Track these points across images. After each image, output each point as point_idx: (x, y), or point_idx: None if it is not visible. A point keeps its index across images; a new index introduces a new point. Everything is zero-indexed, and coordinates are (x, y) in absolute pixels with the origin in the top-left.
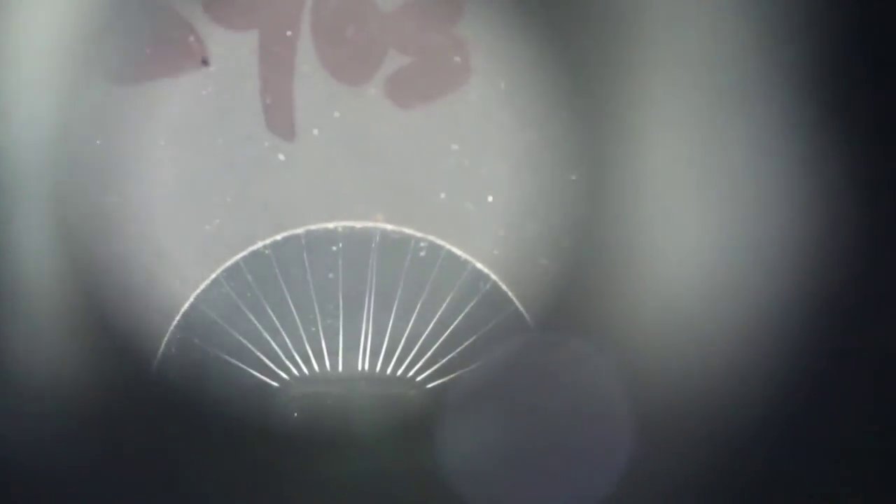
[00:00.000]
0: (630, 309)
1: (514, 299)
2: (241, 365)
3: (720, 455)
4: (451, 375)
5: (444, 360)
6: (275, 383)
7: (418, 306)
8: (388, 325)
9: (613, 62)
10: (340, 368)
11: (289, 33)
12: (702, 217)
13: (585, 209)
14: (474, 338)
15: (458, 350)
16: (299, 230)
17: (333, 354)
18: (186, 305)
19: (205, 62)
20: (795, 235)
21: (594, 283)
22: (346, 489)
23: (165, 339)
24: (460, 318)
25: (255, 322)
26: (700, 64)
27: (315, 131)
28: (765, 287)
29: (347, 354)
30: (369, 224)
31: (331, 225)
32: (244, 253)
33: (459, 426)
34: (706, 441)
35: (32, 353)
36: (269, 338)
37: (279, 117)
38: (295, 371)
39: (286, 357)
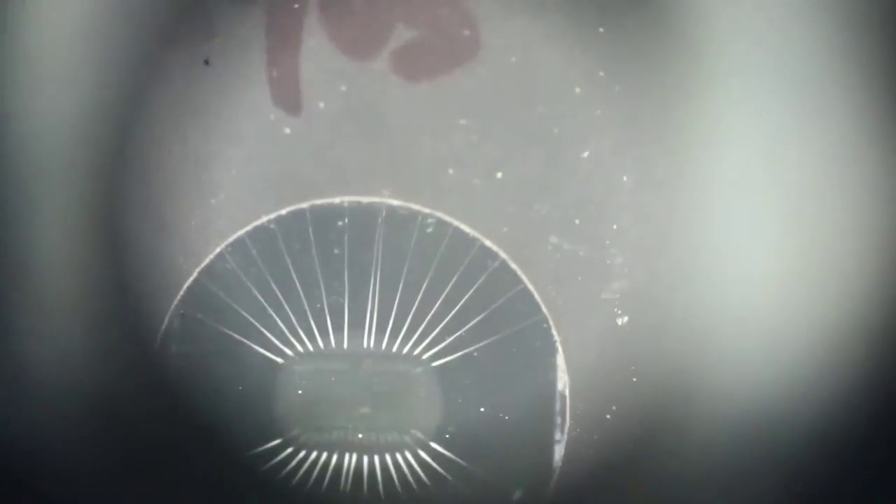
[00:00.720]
0: (641, 287)
1: (523, 278)
2: (245, 341)
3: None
4: (458, 353)
5: (450, 338)
6: (279, 359)
7: (425, 283)
8: (394, 302)
9: (629, 37)
10: (345, 345)
11: (296, 6)
12: (714, 194)
13: (596, 187)
14: (482, 316)
15: (465, 328)
16: (304, 205)
17: (338, 331)
18: (190, 280)
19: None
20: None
21: (605, 262)
22: (349, 468)
23: (169, 314)
24: (468, 295)
25: (260, 298)
26: (717, 39)
27: (321, 105)
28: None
29: (353, 331)
30: (375, 199)
31: (336, 200)
32: (248, 227)
33: (464, 403)
34: (710, 431)
35: (36, 328)
36: (273, 314)
37: (285, 91)
38: (299, 347)
39: (290, 333)
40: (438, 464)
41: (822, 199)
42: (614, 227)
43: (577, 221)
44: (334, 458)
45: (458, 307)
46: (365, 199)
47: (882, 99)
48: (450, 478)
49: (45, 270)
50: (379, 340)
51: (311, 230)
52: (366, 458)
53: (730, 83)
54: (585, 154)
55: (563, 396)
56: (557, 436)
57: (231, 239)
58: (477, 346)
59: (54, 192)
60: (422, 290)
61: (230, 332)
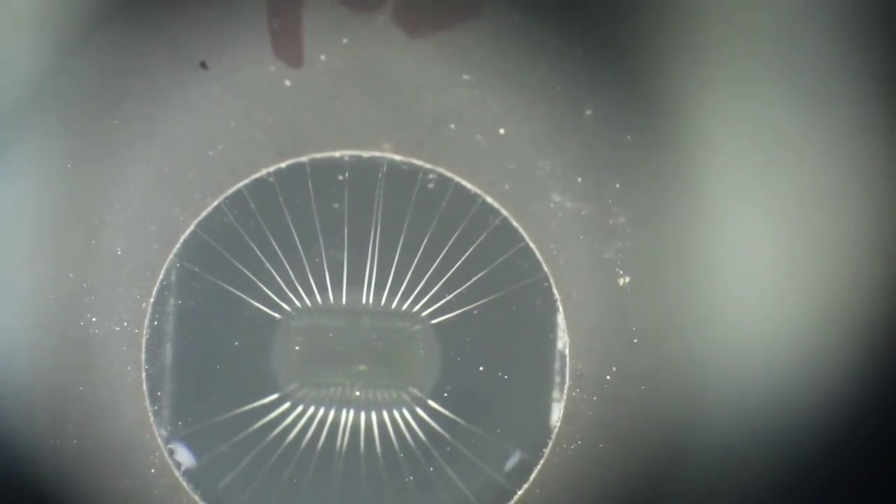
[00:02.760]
0: (644, 248)
1: (525, 235)
2: (242, 295)
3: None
4: (458, 311)
5: (450, 296)
6: (276, 315)
7: (425, 240)
8: (393, 259)
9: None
10: (344, 301)
11: None
12: (721, 152)
13: (600, 145)
14: (482, 273)
15: (465, 286)
16: (304, 158)
17: (337, 287)
18: (187, 233)
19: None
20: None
21: (607, 221)
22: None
23: (165, 267)
24: (468, 253)
25: (258, 252)
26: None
27: (322, 57)
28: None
29: (351, 287)
30: (376, 154)
31: (337, 153)
32: (247, 180)
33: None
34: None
35: (27, 276)
36: (271, 268)
37: (286, 42)
38: (297, 303)
39: (288, 288)
40: (436, 422)
41: (836, 172)
42: (617, 185)
43: (580, 179)
44: (331, 414)
45: (458, 264)
46: (365, 154)
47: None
48: (447, 436)
49: (36, 220)
50: (378, 297)
51: (310, 184)
52: (363, 415)
53: (737, 42)
54: (589, 112)
55: (562, 356)
56: (556, 395)
57: (229, 192)
58: (477, 303)
59: (44, 139)
60: (422, 247)
61: (227, 287)
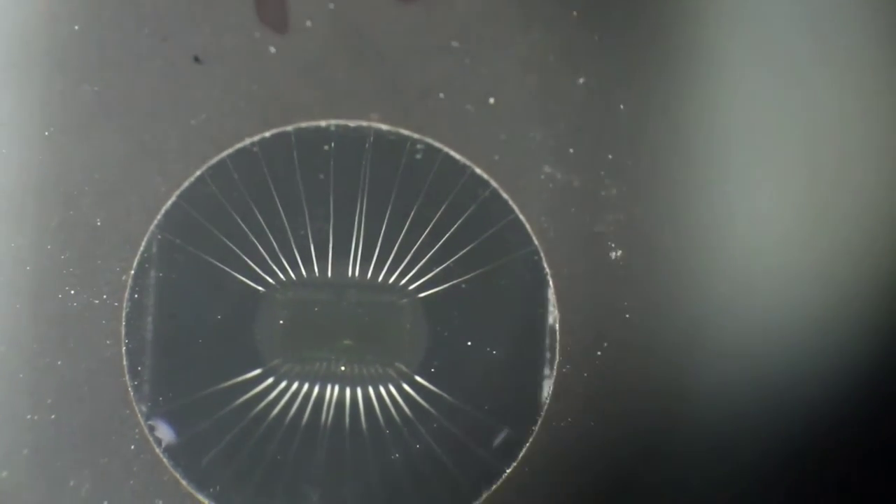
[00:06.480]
0: (636, 220)
1: (515, 208)
2: (225, 268)
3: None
4: (445, 285)
5: (438, 269)
6: (260, 288)
7: (413, 212)
8: (380, 231)
9: None
10: (329, 274)
11: None
12: (716, 124)
13: (592, 115)
14: (471, 246)
15: (453, 259)
16: (289, 127)
17: (322, 260)
18: (168, 204)
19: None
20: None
21: (599, 193)
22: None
23: (146, 238)
24: (457, 225)
25: (241, 223)
26: None
27: (308, 23)
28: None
29: (337, 260)
30: (363, 123)
31: (322, 123)
32: (230, 150)
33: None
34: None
35: (2, 248)
36: (255, 240)
37: (271, 7)
38: (282, 276)
39: (273, 261)
40: (423, 398)
41: (837, 135)
42: (610, 157)
43: (572, 150)
44: (316, 389)
45: (446, 237)
46: (352, 123)
47: None
48: (434, 412)
49: (12, 189)
50: (364, 270)
51: (295, 154)
52: (348, 391)
53: (736, 12)
54: (581, 80)
55: (552, 331)
56: (546, 372)
57: (212, 162)
58: (465, 277)
59: (21, 106)
60: (409, 219)
61: (210, 259)
